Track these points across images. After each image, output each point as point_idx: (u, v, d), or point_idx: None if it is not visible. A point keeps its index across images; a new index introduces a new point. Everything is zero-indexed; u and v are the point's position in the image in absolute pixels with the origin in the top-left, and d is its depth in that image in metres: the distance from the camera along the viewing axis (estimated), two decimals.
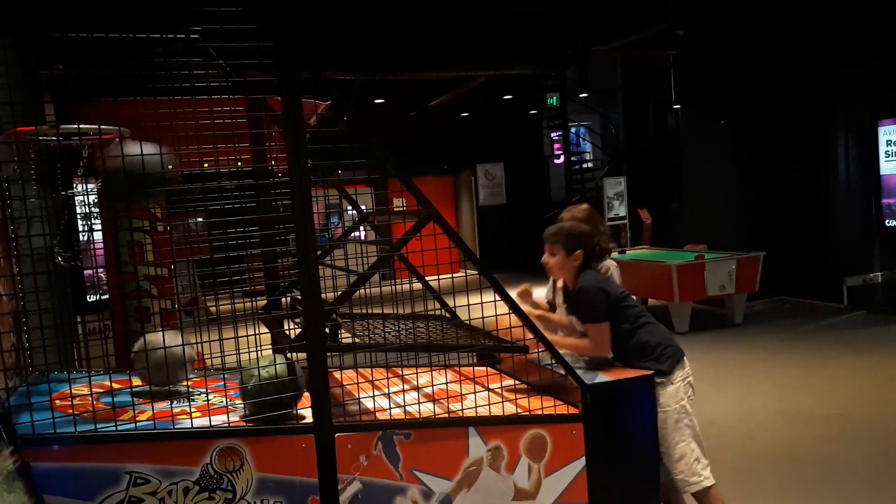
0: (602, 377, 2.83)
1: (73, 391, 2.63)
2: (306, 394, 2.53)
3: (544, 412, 2.72)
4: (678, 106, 11.88)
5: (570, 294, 3.17)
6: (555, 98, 13.24)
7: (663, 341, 3.08)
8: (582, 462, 2.69)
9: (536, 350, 2.87)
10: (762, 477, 4.27)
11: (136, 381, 2.88)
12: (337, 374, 3.17)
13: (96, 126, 3.05)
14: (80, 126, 2.86)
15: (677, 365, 3.04)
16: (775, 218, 9.63)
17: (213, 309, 2.97)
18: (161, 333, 2.64)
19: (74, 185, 4.12)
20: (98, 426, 2.35)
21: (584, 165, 14.45)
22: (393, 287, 3.08)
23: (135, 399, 2.68)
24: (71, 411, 2.39)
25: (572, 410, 2.74)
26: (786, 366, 6.74)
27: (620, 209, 12.74)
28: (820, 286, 9.07)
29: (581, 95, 14.30)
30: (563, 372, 2.76)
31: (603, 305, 3.02)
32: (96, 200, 3.83)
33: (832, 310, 8.81)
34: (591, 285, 3.05)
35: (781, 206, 9.61)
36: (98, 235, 4.04)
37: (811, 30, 8.72)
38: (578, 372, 2.79)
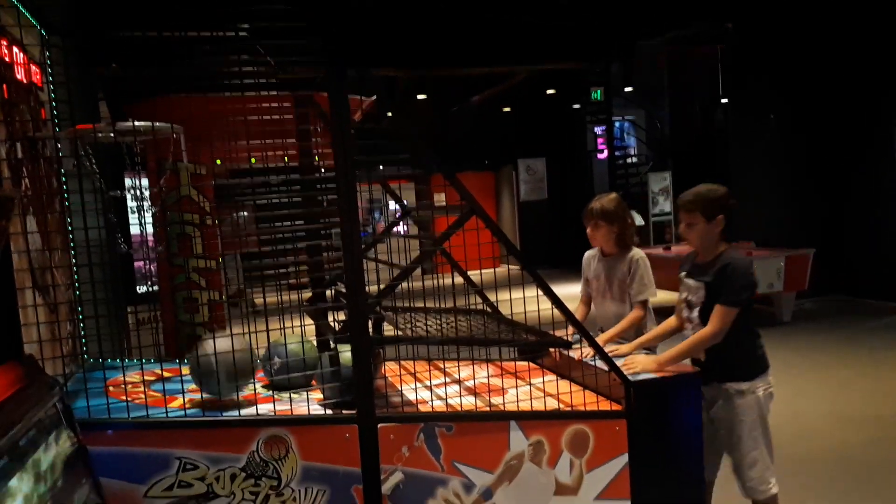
0: (646, 374, 2.81)
1: (126, 378, 2.72)
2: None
3: (587, 408, 2.71)
4: (725, 100, 11.63)
5: (705, 267, 2.96)
6: (598, 92, 13.08)
7: (762, 346, 3.00)
8: (624, 459, 2.67)
9: (580, 346, 2.86)
10: (812, 480, 4.17)
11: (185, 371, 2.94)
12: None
13: (150, 124, 3.14)
14: (135, 123, 2.95)
15: (765, 374, 2.96)
16: (826, 214, 9.37)
17: (258, 301, 3.03)
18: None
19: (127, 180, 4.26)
20: (149, 412, 2.43)
21: (628, 160, 14.25)
22: (434, 281, 3.10)
23: (184, 387, 2.75)
24: (124, 398, 2.47)
25: (615, 407, 2.72)
26: (836, 366, 6.56)
27: (665, 205, 12.54)
28: (873, 284, 8.80)
29: (626, 90, 14.11)
30: (606, 368, 2.75)
31: (748, 292, 2.85)
32: (148, 194, 3.96)
33: (885, 308, 8.53)
34: (743, 265, 2.87)
35: (832, 202, 9.35)
36: (150, 228, 4.17)
37: (866, 24, 8.44)
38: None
